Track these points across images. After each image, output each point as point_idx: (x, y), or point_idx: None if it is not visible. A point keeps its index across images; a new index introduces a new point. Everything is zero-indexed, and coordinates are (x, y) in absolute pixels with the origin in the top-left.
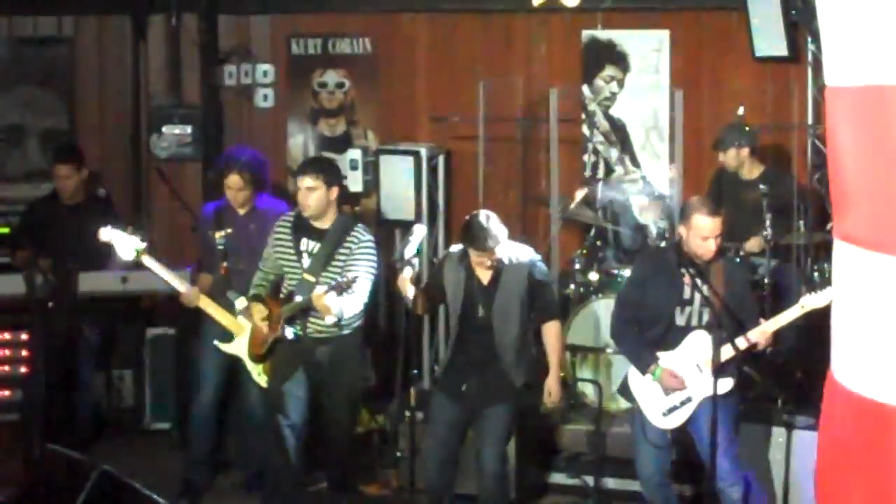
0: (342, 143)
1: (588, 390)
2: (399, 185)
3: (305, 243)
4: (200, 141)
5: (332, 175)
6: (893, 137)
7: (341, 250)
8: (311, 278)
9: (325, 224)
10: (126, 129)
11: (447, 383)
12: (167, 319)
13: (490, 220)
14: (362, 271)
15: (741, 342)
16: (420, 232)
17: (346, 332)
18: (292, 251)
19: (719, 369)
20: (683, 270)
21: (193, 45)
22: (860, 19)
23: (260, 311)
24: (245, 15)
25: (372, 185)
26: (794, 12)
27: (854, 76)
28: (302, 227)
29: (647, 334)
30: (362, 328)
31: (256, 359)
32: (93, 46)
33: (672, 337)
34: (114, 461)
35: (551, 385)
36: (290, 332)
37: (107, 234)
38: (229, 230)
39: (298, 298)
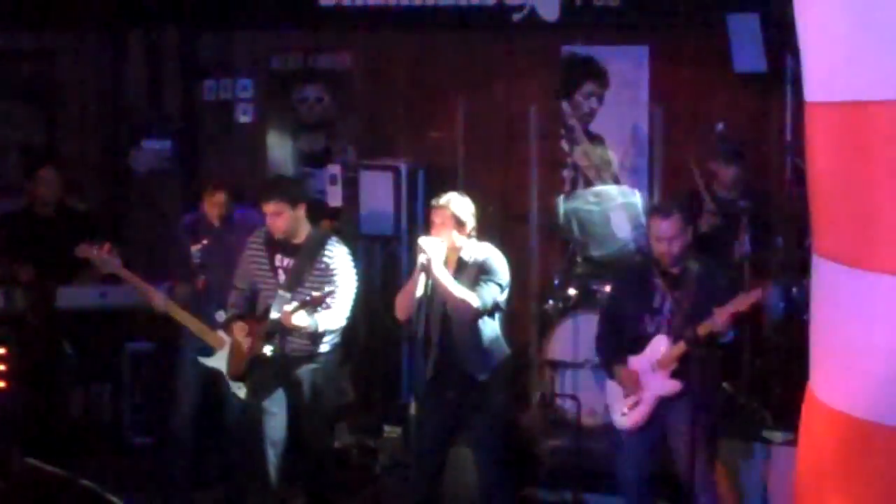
0: (322, 158)
1: (567, 405)
2: (379, 200)
3: (280, 259)
4: (179, 155)
5: (295, 193)
6: (872, 153)
7: (317, 265)
8: (287, 294)
9: (298, 239)
10: (105, 142)
11: (432, 390)
12: (146, 333)
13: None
14: (340, 285)
15: (688, 335)
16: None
17: (324, 349)
18: (267, 268)
19: (673, 370)
20: (656, 280)
21: (173, 59)
22: (839, 35)
23: (241, 328)
24: (225, 29)
25: (351, 200)
26: (773, 28)
27: (833, 92)
28: (275, 243)
29: (624, 342)
30: (341, 345)
31: (236, 377)
32: (72, 60)
33: (642, 344)
34: (92, 476)
35: (435, 245)
36: (268, 350)
37: (84, 250)
38: (205, 242)
39: (274, 315)
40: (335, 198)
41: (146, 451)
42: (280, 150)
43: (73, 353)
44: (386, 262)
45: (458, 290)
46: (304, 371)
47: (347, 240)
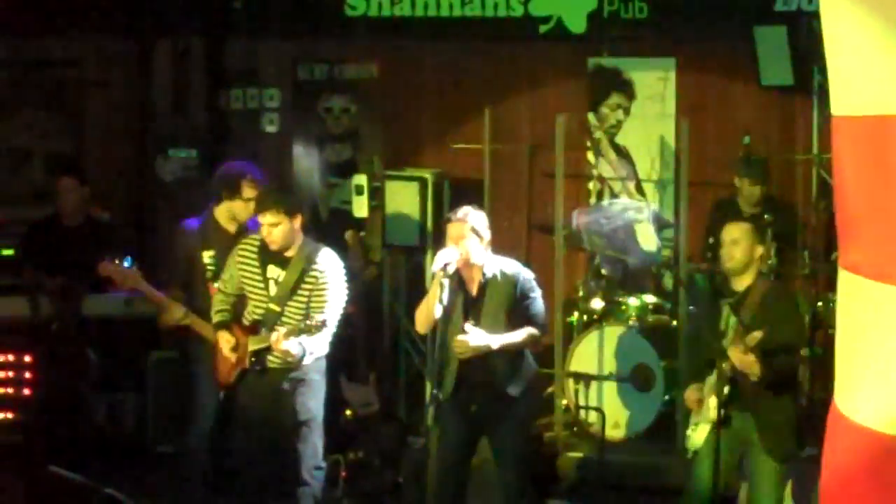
0: (348, 168)
1: (591, 418)
2: (404, 210)
3: (273, 270)
4: (206, 165)
5: (292, 204)
6: None
7: (307, 279)
8: (277, 308)
9: (291, 251)
10: (132, 151)
11: (454, 402)
12: (170, 342)
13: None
14: (328, 305)
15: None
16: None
17: (307, 360)
18: (259, 278)
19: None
20: (723, 300)
21: (200, 68)
22: (867, 48)
23: (227, 340)
24: (252, 39)
25: (377, 210)
26: (800, 41)
27: (860, 106)
28: (268, 253)
29: (703, 363)
30: (326, 355)
31: (224, 385)
32: (99, 69)
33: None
34: (116, 484)
35: (476, 334)
36: (257, 367)
37: (104, 268)
38: (220, 249)
39: (264, 332)
40: (361, 208)
41: (169, 460)
42: (306, 159)
43: (98, 361)
44: (411, 273)
45: (520, 336)
46: (288, 382)
47: (373, 250)
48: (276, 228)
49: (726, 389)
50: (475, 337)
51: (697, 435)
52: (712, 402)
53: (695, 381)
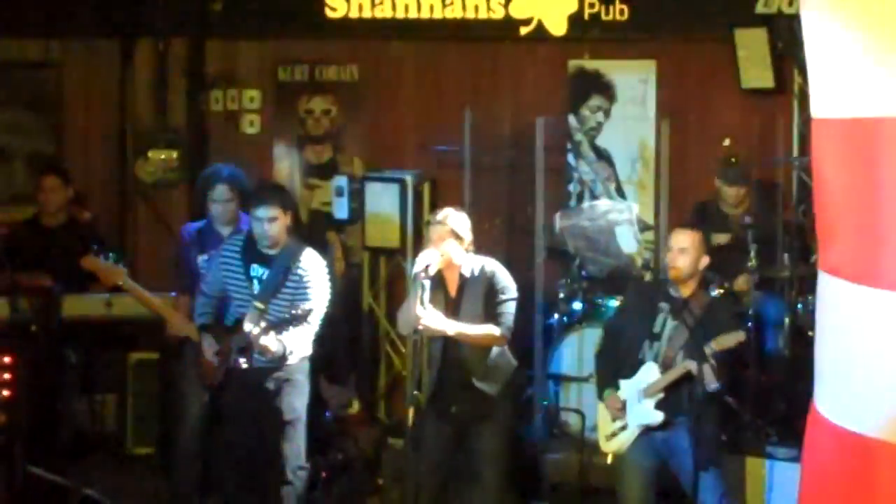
0: (328, 170)
1: (571, 419)
2: (385, 212)
3: (256, 269)
4: (186, 166)
5: (288, 201)
6: (879, 170)
7: (291, 277)
8: (262, 306)
9: (275, 249)
10: (112, 153)
11: (435, 404)
12: (150, 344)
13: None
14: (313, 299)
15: (675, 372)
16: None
17: (292, 360)
18: (242, 276)
19: (658, 401)
20: (662, 305)
21: (180, 70)
22: (847, 52)
23: (210, 343)
24: (232, 40)
25: (357, 212)
26: (780, 44)
27: (841, 108)
28: (251, 252)
29: (622, 364)
30: (309, 356)
31: (209, 386)
32: (80, 70)
33: (636, 369)
34: (95, 486)
35: (432, 316)
36: (242, 363)
37: (89, 262)
38: (213, 253)
39: (248, 327)
40: (341, 210)
41: (149, 461)
42: (286, 161)
43: (78, 363)
44: (391, 275)
45: (478, 330)
46: (273, 382)
47: (353, 251)
48: (274, 223)
49: (661, 395)
50: (430, 318)
51: (621, 440)
52: (644, 405)
53: (612, 386)
